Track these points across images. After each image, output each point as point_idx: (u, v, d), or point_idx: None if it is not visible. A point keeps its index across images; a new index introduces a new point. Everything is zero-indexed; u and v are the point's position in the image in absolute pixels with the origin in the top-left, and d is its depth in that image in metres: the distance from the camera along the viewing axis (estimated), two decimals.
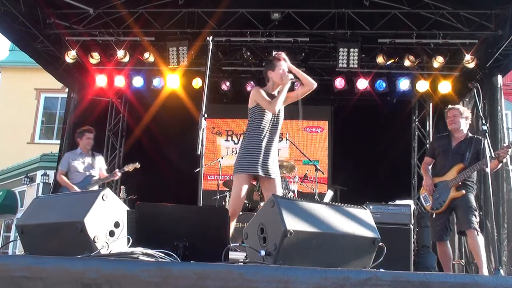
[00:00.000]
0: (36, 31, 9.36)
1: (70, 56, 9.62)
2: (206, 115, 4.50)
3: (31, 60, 10.41)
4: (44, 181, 18.30)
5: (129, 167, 8.39)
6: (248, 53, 9.69)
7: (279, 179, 5.08)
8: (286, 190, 8.38)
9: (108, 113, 11.67)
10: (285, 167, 8.63)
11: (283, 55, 5.32)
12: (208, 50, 4.91)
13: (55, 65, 10.30)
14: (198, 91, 10.36)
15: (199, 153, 4.26)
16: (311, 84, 5.27)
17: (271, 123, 5.16)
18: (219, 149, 11.74)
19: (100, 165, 8.35)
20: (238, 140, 11.82)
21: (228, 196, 8.56)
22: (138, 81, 10.63)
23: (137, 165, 8.41)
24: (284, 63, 5.33)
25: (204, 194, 4.77)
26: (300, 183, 8.92)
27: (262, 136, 5.05)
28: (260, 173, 4.90)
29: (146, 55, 9.69)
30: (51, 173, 16.92)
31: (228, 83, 10.59)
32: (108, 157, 11.54)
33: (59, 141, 11.71)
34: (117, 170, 8.37)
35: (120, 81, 10.59)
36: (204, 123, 4.37)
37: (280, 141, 11.76)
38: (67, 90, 11.55)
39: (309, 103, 11.37)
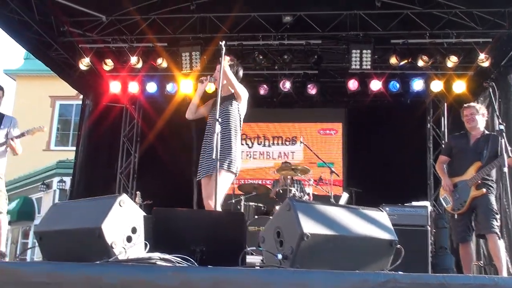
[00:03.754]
0: (50, 39, 9.45)
1: (84, 63, 9.70)
2: (220, 120, 4.50)
3: (45, 68, 10.52)
4: (61, 187, 18.45)
5: (33, 130, 6.61)
6: (261, 57, 9.71)
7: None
8: (302, 193, 8.38)
9: (123, 119, 11.73)
10: (299, 170, 8.63)
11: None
12: (220, 55, 4.92)
13: (70, 73, 10.38)
14: (211, 96, 10.35)
15: (214, 157, 4.26)
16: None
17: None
18: None
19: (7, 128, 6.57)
20: (252, 144, 11.83)
21: (243, 200, 8.57)
22: (151, 87, 10.68)
23: (42, 128, 6.75)
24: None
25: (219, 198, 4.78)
26: (315, 186, 8.91)
27: None
28: None
29: (159, 60, 9.74)
30: (68, 179, 17.03)
31: None
32: (123, 162, 11.60)
33: (74, 148, 11.79)
34: (13, 136, 6.47)
35: (133, 87, 10.65)
36: (218, 128, 4.38)
37: (294, 144, 11.93)
38: (81, 97, 11.64)
39: (323, 105, 11.42)
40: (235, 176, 5.20)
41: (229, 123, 5.24)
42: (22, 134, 6.42)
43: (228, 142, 5.17)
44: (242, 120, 5.47)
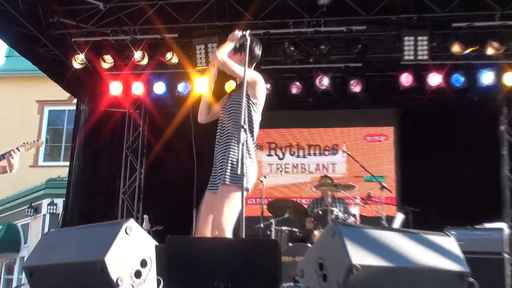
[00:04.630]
0: (37, 32, 9.60)
1: (78, 61, 9.82)
2: (246, 126, 4.50)
3: (32, 67, 10.69)
4: (51, 211, 18.59)
5: (31, 145, 6.69)
6: (292, 48, 9.70)
7: None
8: (346, 214, 8.32)
9: (125, 127, 11.83)
10: (342, 185, 8.58)
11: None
12: (244, 47, 4.92)
13: (61, 72, 10.53)
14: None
15: (239, 172, 4.25)
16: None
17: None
18: (260, 166, 11.69)
19: None
20: (283, 155, 11.83)
21: (274, 224, 8.54)
22: (159, 87, 10.76)
23: (41, 142, 6.90)
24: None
25: (245, 222, 4.76)
26: (363, 206, 8.83)
27: None
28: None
29: (168, 55, 9.81)
30: (60, 201, 17.20)
31: (268, 86, 10.59)
32: (127, 180, 11.68)
33: (67, 163, 11.93)
34: (14, 148, 6.45)
35: (138, 88, 10.75)
36: (244, 136, 4.37)
37: (335, 153, 11.88)
38: (75, 101, 11.81)
39: (370, 106, 11.39)
40: (247, 192, 4.92)
41: (238, 121, 4.79)
42: (17, 149, 6.47)
43: (231, 150, 4.94)
44: (256, 115, 5.12)
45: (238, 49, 5.06)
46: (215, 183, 4.94)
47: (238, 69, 4.89)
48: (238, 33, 5.03)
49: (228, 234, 4.54)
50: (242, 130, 4.35)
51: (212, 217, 4.79)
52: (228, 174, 4.76)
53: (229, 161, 4.80)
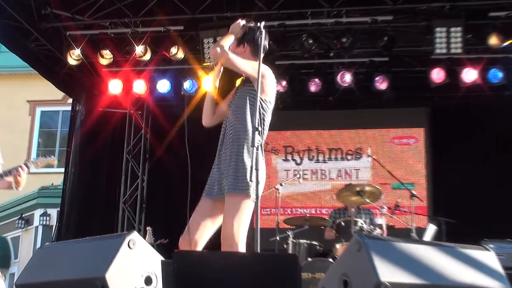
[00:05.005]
0: (28, 25, 9.63)
1: (74, 56, 9.86)
2: (260, 128, 4.50)
3: (22, 63, 10.75)
4: (45, 223, 18.62)
5: (41, 162, 6.83)
6: (310, 41, 9.69)
7: None
8: (372, 226, 8.31)
9: (126, 130, 11.88)
10: (368, 193, 8.56)
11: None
12: (258, 40, 4.90)
13: (54, 69, 10.60)
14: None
15: (253, 180, 4.25)
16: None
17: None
18: (275, 172, 11.77)
19: None
20: (301, 160, 11.82)
21: (291, 237, 8.53)
22: (163, 86, 10.76)
23: (53, 160, 7.00)
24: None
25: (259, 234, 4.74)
26: (390, 216, 8.82)
27: None
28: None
29: (173, 50, 9.83)
30: (54, 212, 17.26)
31: (284, 83, 10.62)
32: (128, 188, 11.72)
33: (62, 170, 11.95)
34: (22, 164, 6.47)
35: (139, 87, 10.77)
36: (258, 139, 4.36)
37: (358, 158, 11.85)
38: (70, 101, 11.85)
39: (397, 105, 11.37)
40: (255, 202, 4.82)
41: (244, 120, 4.83)
42: (25, 166, 6.46)
43: (239, 153, 4.78)
44: (266, 114, 4.96)
45: (241, 41, 5.00)
46: (216, 188, 4.84)
47: (243, 64, 4.82)
48: (240, 22, 5.00)
49: (241, 248, 4.49)
50: (256, 132, 4.33)
51: (206, 225, 4.75)
52: (237, 181, 4.66)
53: (238, 167, 4.69)
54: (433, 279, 3.33)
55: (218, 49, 4.77)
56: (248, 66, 4.81)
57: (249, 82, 4.90)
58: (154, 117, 11.95)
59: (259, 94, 4.56)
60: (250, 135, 4.39)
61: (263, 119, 4.89)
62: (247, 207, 4.61)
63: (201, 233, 4.72)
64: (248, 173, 4.52)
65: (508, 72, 10.03)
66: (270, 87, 4.94)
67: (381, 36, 9.63)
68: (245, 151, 4.70)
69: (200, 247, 4.68)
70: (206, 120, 5.19)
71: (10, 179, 6.27)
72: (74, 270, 3.73)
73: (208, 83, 5.14)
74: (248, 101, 4.86)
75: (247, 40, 4.97)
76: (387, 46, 9.65)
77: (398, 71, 10.70)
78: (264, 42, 4.91)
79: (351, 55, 10.17)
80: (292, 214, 10.94)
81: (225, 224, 4.60)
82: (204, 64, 9.67)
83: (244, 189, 4.59)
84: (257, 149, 4.26)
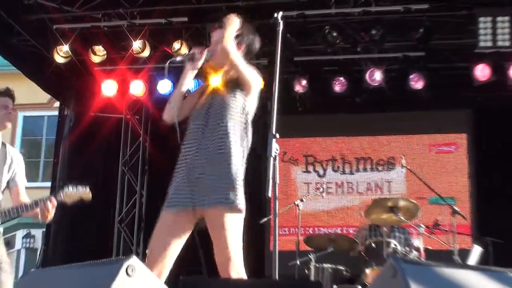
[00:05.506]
0: (9, 17, 9.65)
1: (62, 53, 9.91)
2: (277, 135, 4.50)
3: (2, 61, 10.78)
4: (28, 245, 18.71)
5: (74, 195, 6.73)
6: (334, 34, 9.71)
7: None
8: (407, 248, 8.28)
9: (122, 137, 11.91)
10: (402, 210, 8.54)
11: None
12: (276, 33, 4.93)
13: (40, 68, 10.65)
14: (260, 96, 10.44)
15: (270, 195, 4.24)
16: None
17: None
18: (294, 185, 11.77)
19: (14, 173, 6.74)
20: (324, 171, 11.81)
21: (313, 261, 8.52)
22: (164, 86, 10.77)
23: (88, 192, 6.89)
24: (215, 32, 5.22)
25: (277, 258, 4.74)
26: (428, 235, 8.79)
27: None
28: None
29: (176, 45, 9.85)
30: (38, 233, 17.32)
31: (304, 82, 10.62)
32: (124, 205, 11.73)
33: (48, 184, 11.99)
34: (52, 197, 6.41)
35: (137, 88, 10.81)
36: (275, 148, 4.36)
37: (391, 169, 11.81)
38: (57, 105, 11.86)
39: (435, 107, 11.35)
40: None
41: (227, 128, 4.99)
42: (55, 199, 6.42)
43: (228, 159, 4.90)
44: (250, 123, 5.18)
45: (240, 41, 5.16)
46: (186, 199, 4.88)
47: (245, 68, 5.03)
48: (236, 19, 5.14)
49: (244, 271, 4.60)
50: (274, 140, 4.33)
51: (173, 243, 4.80)
52: (234, 194, 4.77)
53: (233, 177, 4.82)
54: None
55: (229, 46, 4.94)
56: (248, 71, 5.02)
57: (240, 88, 5.07)
58: (154, 122, 11.91)
59: (248, 104, 4.95)
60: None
61: (247, 122, 5.12)
62: (241, 224, 4.76)
63: (169, 255, 4.78)
64: (238, 186, 4.75)
65: None
66: (256, 95, 5.16)
67: (416, 27, 9.63)
68: (236, 161, 4.86)
69: (166, 272, 4.77)
70: (168, 115, 5.26)
71: (37, 210, 6.30)
72: None
73: (189, 79, 5.15)
74: (241, 110, 5.05)
75: (245, 40, 5.16)
76: (423, 38, 9.64)
77: (436, 67, 10.71)
78: (255, 44, 5.26)
79: (381, 49, 10.18)
80: (315, 234, 10.89)
81: (222, 244, 4.68)
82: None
83: (240, 204, 4.73)
84: (274, 159, 4.27)
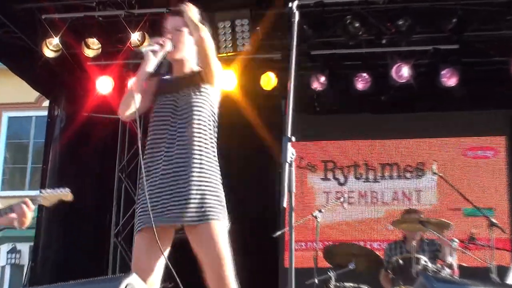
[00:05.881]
0: None
1: (52, 46, 9.93)
2: (293, 138, 4.48)
3: None
4: (13, 261, 18.76)
5: (52, 196, 6.24)
6: (357, 24, 9.71)
7: None
8: (439, 265, 8.27)
9: (118, 141, 11.91)
10: (432, 223, 8.53)
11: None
12: (291, 24, 4.90)
13: (27, 63, 10.65)
14: (270, 95, 10.45)
15: (285, 205, 4.23)
16: (196, 38, 5.05)
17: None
18: (312, 194, 11.75)
19: None
20: (345, 179, 11.77)
21: (333, 279, 8.51)
22: None
23: (67, 194, 6.30)
24: (171, 19, 5.34)
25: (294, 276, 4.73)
26: (463, 251, 8.77)
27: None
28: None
29: None
30: (25, 247, 17.35)
31: (322, 78, 10.62)
32: (121, 216, 11.74)
33: (36, 192, 11.95)
34: (27, 199, 5.87)
35: None
36: (291, 153, 4.34)
37: (420, 176, 11.77)
38: (46, 104, 11.87)
39: (470, 106, 11.33)
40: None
41: (200, 129, 4.96)
42: (31, 202, 6.39)
43: (201, 165, 4.90)
44: (216, 119, 5.17)
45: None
46: (162, 214, 4.84)
47: (215, 60, 5.07)
48: (194, 7, 5.26)
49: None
50: (289, 144, 4.31)
51: (157, 264, 4.98)
52: (217, 206, 4.83)
53: (211, 187, 4.86)
54: None
55: (205, 33, 5.02)
56: (217, 63, 5.06)
57: (195, 78, 5.08)
58: None
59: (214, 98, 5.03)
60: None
61: (215, 119, 5.11)
62: (226, 236, 4.83)
63: (155, 277, 4.99)
64: (221, 195, 4.83)
65: None
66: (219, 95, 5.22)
67: (448, 16, 9.62)
68: (209, 167, 4.89)
69: None
70: (125, 110, 5.14)
71: (12, 215, 6.26)
72: None
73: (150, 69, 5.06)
74: (209, 108, 5.04)
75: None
76: (456, 29, 9.65)
77: (471, 62, 10.69)
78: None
79: (409, 41, 10.17)
80: (336, 245, 10.86)
81: (214, 262, 4.76)
82: (219, 54, 9.68)
83: (224, 216, 4.84)
84: (290, 165, 4.25)
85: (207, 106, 5.01)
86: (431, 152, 11.60)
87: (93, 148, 11.37)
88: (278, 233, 9.08)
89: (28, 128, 22.64)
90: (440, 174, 9.81)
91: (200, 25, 5.05)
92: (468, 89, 10.74)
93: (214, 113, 5.08)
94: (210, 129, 5.00)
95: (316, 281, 8.71)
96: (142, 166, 4.98)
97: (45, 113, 11.97)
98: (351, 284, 8.61)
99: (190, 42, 5.14)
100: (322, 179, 11.86)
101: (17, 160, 22.71)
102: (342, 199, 10.69)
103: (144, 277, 4.76)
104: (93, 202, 11.90)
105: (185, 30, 5.11)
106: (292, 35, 4.78)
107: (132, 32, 9.73)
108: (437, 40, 10.23)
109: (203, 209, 4.74)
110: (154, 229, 4.59)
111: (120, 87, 10.82)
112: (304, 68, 10.54)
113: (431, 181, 11.39)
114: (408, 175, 11.68)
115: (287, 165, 4.24)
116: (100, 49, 10.16)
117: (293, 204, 4.27)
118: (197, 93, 5.03)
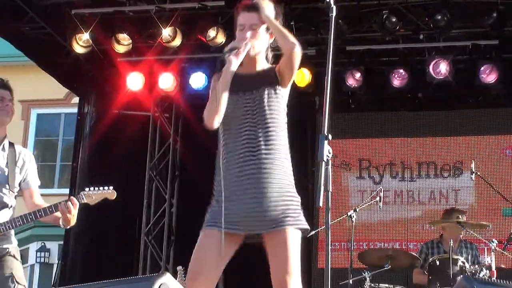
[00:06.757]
0: (21, 2, 9.69)
1: (81, 42, 9.96)
2: (330, 136, 4.48)
3: (14, 51, 10.87)
4: (42, 260, 18.75)
5: (97, 195, 6.91)
6: (393, 19, 9.67)
7: None
8: (476, 266, 8.24)
9: (149, 139, 11.92)
10: (470, 224, 8.50)
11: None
12: (326, 19, 4.92)
13: (56, 59, 10.71)
14: (305, 91, 10.43)
15: (321, 205, 4.23)
16: (288, 46, 4.96)
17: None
18: (347, 194, 11.74)
19: (26, 174, 6.79)
20: (381, 178, 11.73)
21: (368, 280, 8.50)
22: (198, 80, 10.78)
23: (111, 191, 7.04)
24: (246, 15, 5.11)
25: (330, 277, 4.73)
26: (502, 252, 8.73)
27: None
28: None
29: (211, 33, 9.85)
30: (54, 246, 17.38)
31: (358, 75, 10.59)
32: (152, 215, 11.75)
33: (65, 191, 12.05)
34: (72, 197, 6.50)
35: (167, 81, 10.83)
36: (327, 151, 4.34)
37: (458, 175, 11.69)
38: (76, 101, 11.90)
39: (510, 103, 11.20)
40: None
41: (277, 132, 4.91)
42: (76, 200, 6.46)
43: (282, 170, 4.85)
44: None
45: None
46: (240, 222, 4.85)
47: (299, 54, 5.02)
48: (269, 1, 5.06)
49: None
50: (326, 142, 4.31)
51: (220, 266, 4.83)
52: (297, 213, 4.81)
53: (291, 193, 4.84)
54: None
55: (294, 42, 4.93)
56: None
57: (272, 77, 5.04)
58: (185, 121, 11.91)
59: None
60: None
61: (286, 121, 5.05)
62: (298, 244, 4.84)
63: (215, 277, 4.81)
64: (298, 203, 4.78)
65: None
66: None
67: (488, 11, 9.56)
68: (289, 172, 4.85)
69: None
70: (213, 119, 5.13)
71: (57, 214, 6.32)
72: None
73: (228, 72, 4.96)
74: (282, 109, 5.00)
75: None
76: (496, 24, 9.57)
77: (511, 58, 10.58)
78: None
79: (447, 37, 10.12)
80: (370, 249, 10.85)
81: (284, 267, 4.73)
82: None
83: (304, 223, 4.80)
84: (327, 164, 4.24)
85: (281, 107, 4.98)
86: (469, 150, 11.53)
87: (123, 145, 11.35)
88: (312, 232, 9.06)
89: (57, 125, 22.60)
90: (479, 173, 9.78)
91: (288, 34, 4.96)
92: (508, 85, 10.68)
93: (286, 116, 5.02)
94: (285, 131, 4.95)
95: (351, 281, 8.70)
96: (221, 166, 5.00)
97: (74, 110, 12.01)
98: (386, 285, 8.61)
99: (265, 39, 5.09)
100: (357, 177, 11.85)
101: (46, 158, 22.70)
102: (377, 199, 10.68)
103: (207, 274, 4.77)
104: (123, 200, 11.91)
105: (262, 28, 5.01)
106: (330, 30, 4.78)
107: (164, 28, 9.73)
108: (476, 36, 10.18)
109: (283, 215, 4.71)
110: (222, 235, 4.60)
111: (150, 84, 10.84)
112: (339, 64, 10.51)
113: (469, 180, 11.21)
114: (445, 174, 11.62)
115: (323, 163, 4.24)
116: (131, 45, 10.17)
117: (329, 204, 4.28)
118: (273, 93, 4.99)
